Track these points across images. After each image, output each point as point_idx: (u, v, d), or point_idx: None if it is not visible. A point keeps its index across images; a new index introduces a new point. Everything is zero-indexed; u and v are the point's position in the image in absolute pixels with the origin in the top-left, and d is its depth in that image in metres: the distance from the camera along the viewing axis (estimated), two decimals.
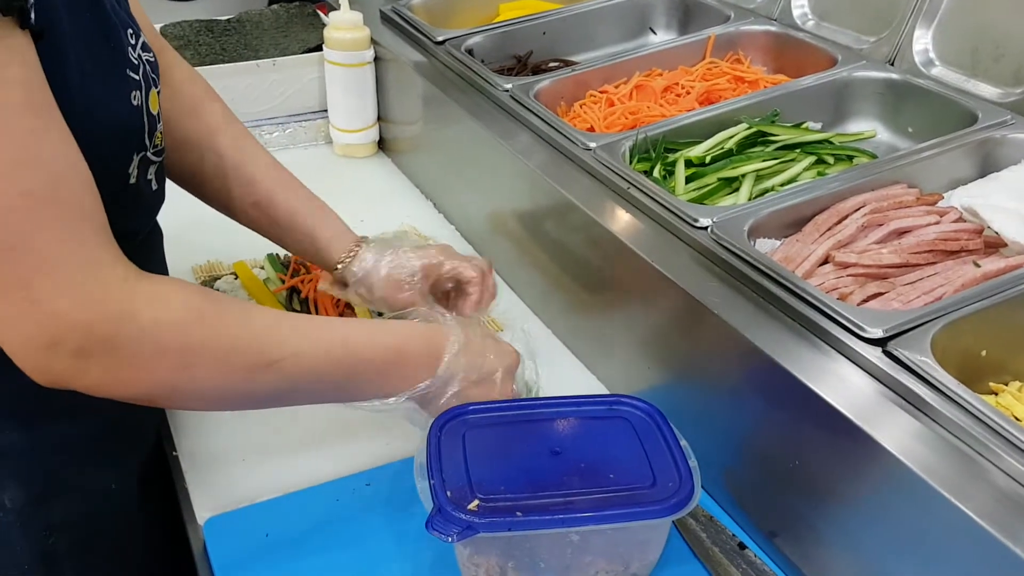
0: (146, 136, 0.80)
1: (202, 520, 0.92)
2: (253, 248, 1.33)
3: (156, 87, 0.83)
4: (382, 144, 1.69)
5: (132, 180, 0.79)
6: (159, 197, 0.89)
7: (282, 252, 1.32)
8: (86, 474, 0.89)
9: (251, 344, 0.74)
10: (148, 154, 0.81)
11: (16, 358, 0.67)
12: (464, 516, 0.79)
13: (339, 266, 1.03)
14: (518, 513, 0.79)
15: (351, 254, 1.03)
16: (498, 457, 0.86)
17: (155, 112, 0.82)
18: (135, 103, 0.78)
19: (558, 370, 1.10)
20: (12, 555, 0.85)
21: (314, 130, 1.69)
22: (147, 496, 1.00)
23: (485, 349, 0.91)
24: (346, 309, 1.21)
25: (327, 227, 1.04)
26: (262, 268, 1.31)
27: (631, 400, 0.92)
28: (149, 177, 0.84)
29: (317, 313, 1.17)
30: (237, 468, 0.99)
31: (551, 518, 0.80)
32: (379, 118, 1.65)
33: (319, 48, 1.62)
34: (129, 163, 0.78)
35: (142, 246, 0.90)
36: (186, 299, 0.71)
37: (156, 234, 0.99)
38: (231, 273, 1.31)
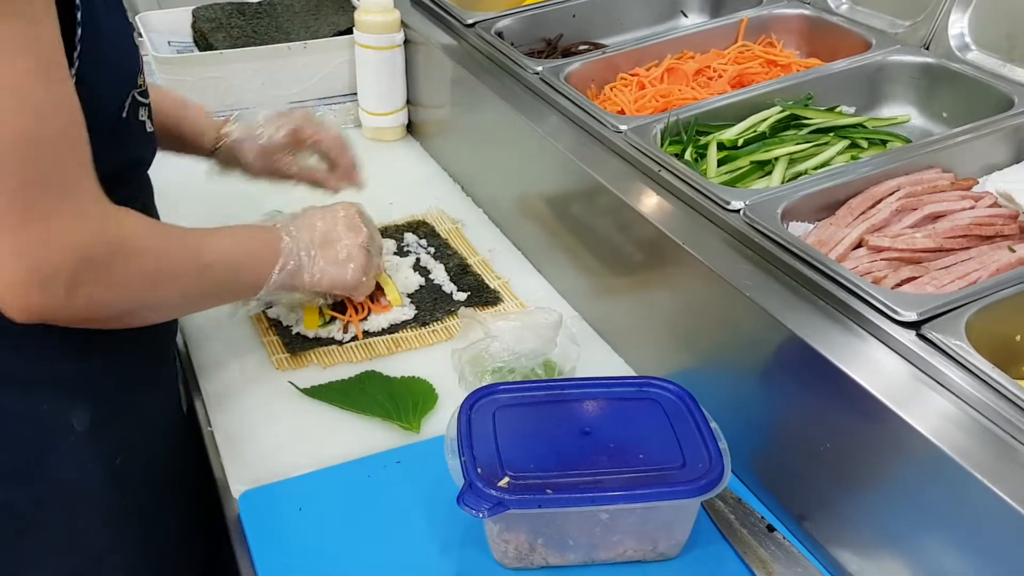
0: (138, 75, 0.88)
1: (237, 493, 0.93)
2: None
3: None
4: (411, 127, 1.69)
5: (124, 114, 0.85)
6: (153, 139, 0.95)
7: None
8: (139, 399, 0.96)
9: (190, 260, 0.87)
10: (136, 93, 0.87)
11: (12, 294, 0.72)
12: (495, 492, 0.80)
13: (216, 146, 1.18)
14: (548, 491, 0.80)
15: (222, 134, 1.18)
16: (528, 436, 0.87)
17: (141, 53, 0.91)
18: (135, 43, 0.87)
19: (586, 353, 1.11)
20: (86, 474, 0.90)
21: (343, 113, 1.69)
22: (186, 427, 1.08)
23: (313, 217, 1.07)
24: (376, 290, 1.22)
25: (197, 119, 1.18)
26: None
27: (661, 382, 0.92)
28: (142, 118, 0.90)
29: (350, 306, 1.19)
30: (270, 444, 1.01)
31: (581, 496, 0.80)
32: (408, 101, 1.66)
33: (349, 31, 1.63)
34: (126, 97, 0.85)
35: (136, 191, 0.96)
36: (147, 226, 0.83)
37: (148, 186, 1.02)
38: None
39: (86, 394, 0.89)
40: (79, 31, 0.74)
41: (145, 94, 0.90)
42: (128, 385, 0.94)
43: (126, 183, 0.89)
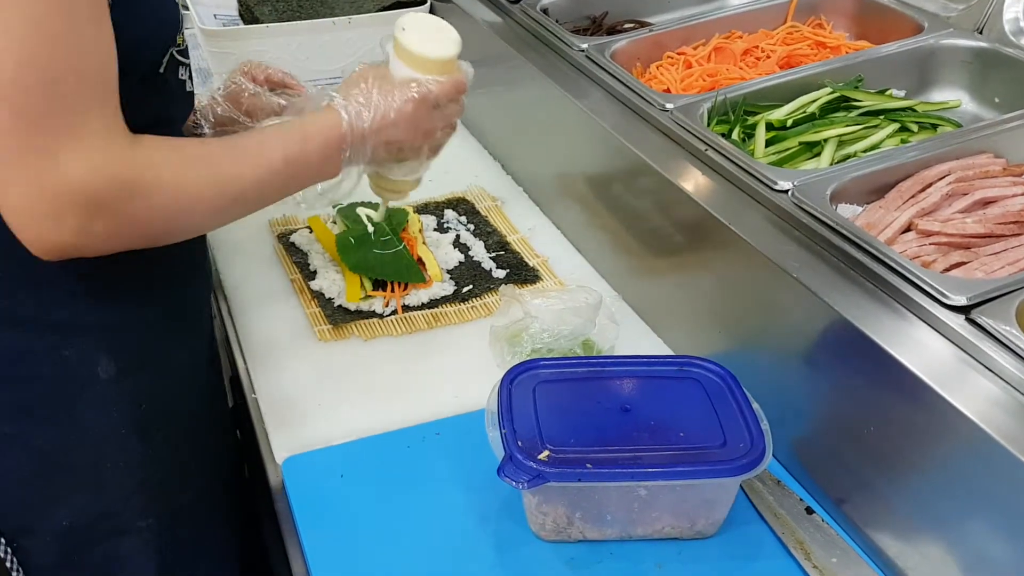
0: (178, 33, 0.89)
1: (280, 459, 0.95)
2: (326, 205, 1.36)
3: None
4: None
5: (161, 70, 0.86)
6: (191, 98, 0.97)
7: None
8: (164, 349, 0.96)
9: (220, 189, 0.82)
10: (174, 52, 0.88)
11: (24, 224, 0.72)
12: (535, 465, 0.80)
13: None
14: (588, 465, 0.81)
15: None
16: (568, 411, 0.87)
17: (182, 13, 0.92)
18: (175, 1, 0.88)
19: (625, 333, 1.11)
20: (109, 421, 0.92)
21: None
22: (216, 379, 1.10)
23: (365, 82, 0.92)
24: (423, 269, 1.23)
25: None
26: (335, 223, 1.33)
27: (703, 362, 0.92)
28: (182, 77, 0.91)
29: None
30: (313, 413, 1.02)
31: (621, 471, 0.81)
32: None
33: (394, 7, 1.63)
34: (164, 53, 0.86)
35: None
36: (169, 159, 0.79)
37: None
38: (306, 227, 1.34)
39: (111, 342, 0.90)
40: None
41: (185, 53, 0.92)
42: (155, 336, 0.94)
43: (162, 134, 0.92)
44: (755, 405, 0.87)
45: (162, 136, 0.79)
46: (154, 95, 0.87)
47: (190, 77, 0.94)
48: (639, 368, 0.93)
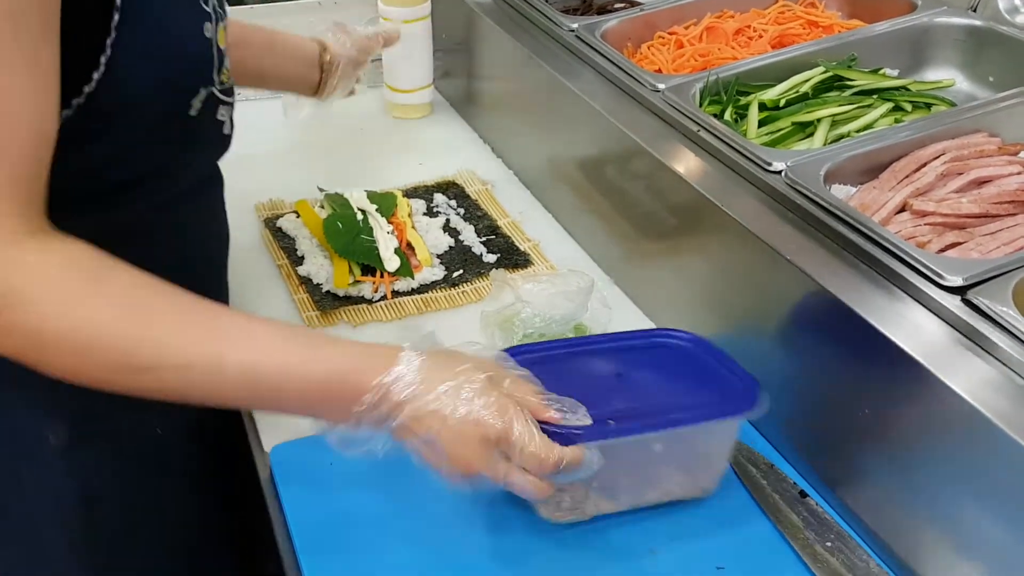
0: (214, 71, 0.80)
1: (268, 447, 0.94)
2: (313, 189, 1.34)
3: (223, 21, 0.83)
4: (440, 87, 1.67)
5: (192, 112, 0.78)
6: (227, 141, 0.88)
7: (344, 192, 1.32)
8: (128, 419, 0.86)
9: (115, 344, 0.66)
10: (215, 90, 0.80)
11: None
12: (559, 431, 0.75)
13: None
14: (610, 422, 0.78)
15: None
16: (568, 386, 0.84)
17: (223, 47, 0.82)
18: (207, 35, 0.79)
19: (617, 317, 1.09)
20: (55, 493, 0.86)
21: (372, 68, 1.67)
22: (198, 453, 1.00)
23: (451, 358, 0.73)
24: (407, 249, 1.22)
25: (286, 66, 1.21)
26: (323, 207, 1.31)
27: (668, 332, 0.92)
28: (221, 118, 0.83)
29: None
30: None
31: (643, 423, 0.79)
32: (437, 60, 1.63)
33: None
34: (194, 95, 0.78)
35: (199, 193, 0.91)
36: (65, 277, 0.65)
37: (216, 181, 0.97)
38: (293, 211, 1.32)
39: (63, 410, 0.83)
40: (116, 16, 0.69)
41: (229, 92, 0.84)
42: (111, 404, 0.75)
43: (180, 177, 0.85)
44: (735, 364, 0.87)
45: (95, 250, 0.66)
46: (172, 139, 0.79)
47: (231, 118, 0.85)
48: (620, 343, 0.92)
